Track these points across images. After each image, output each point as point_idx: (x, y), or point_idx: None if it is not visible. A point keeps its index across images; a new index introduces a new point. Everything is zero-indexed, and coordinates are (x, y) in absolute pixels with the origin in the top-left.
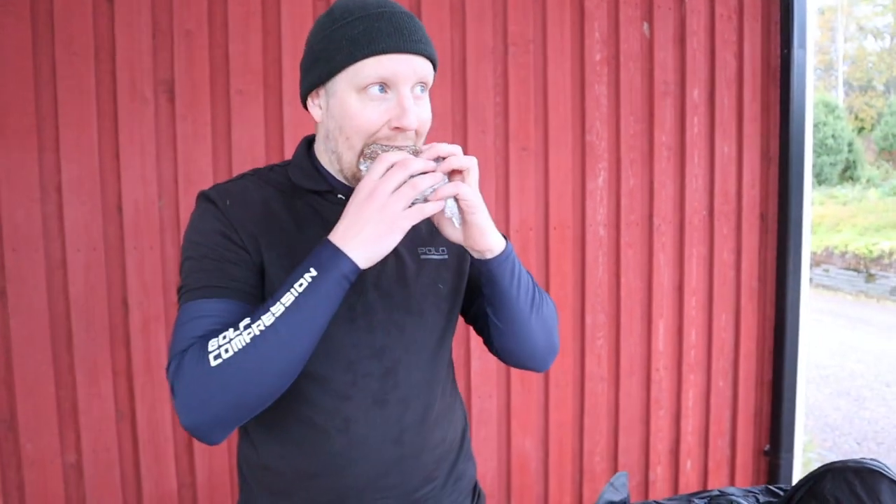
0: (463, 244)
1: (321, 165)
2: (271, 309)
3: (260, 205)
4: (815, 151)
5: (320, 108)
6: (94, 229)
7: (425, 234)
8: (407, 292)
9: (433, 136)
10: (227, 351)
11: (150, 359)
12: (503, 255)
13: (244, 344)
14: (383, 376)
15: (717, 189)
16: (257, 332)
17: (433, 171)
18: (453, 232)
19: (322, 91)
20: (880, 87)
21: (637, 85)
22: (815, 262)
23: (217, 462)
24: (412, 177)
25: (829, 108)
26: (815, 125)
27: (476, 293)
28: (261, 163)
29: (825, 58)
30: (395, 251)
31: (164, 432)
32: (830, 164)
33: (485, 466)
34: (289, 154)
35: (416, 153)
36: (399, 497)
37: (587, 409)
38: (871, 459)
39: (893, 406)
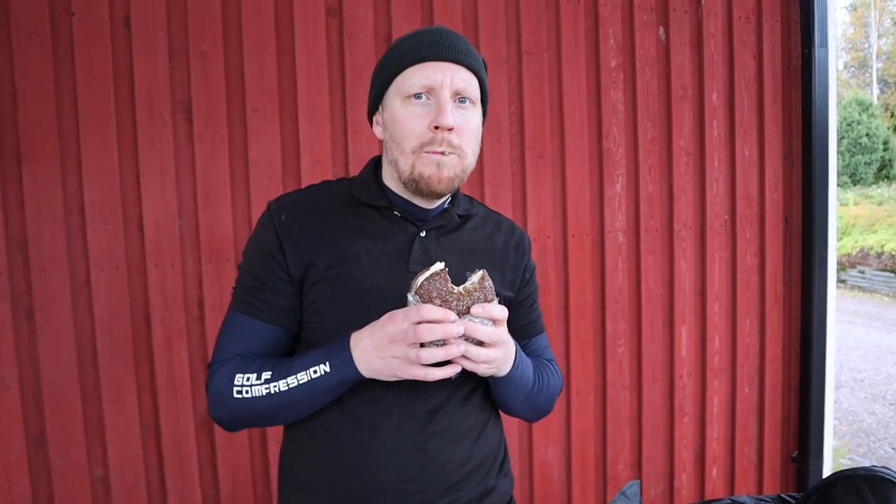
0: None
1: (384, 183)
2: (288, 379)
3: (318, 217)
4: (848, 150)
5: (381, 125)
6: (117, 249)
7: (479, 261)
8: None
9: None
10: (247, 392)
11: (174, 374)
12: (505, 376)
13: (260, 394)
14: (414, 386)
15: (738, 193)
16: (273, 391)
17: (457, 340)
18: None
19: (381, 108)
20: None
21: (654, 90)
22: (851, 264)
23: (240, 475)
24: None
25: (863, 106)
26: (849, 124)
27: None
28: (277, 180)
29: (858, 55)
30: None
31: (188, 446)
32: (865, 163)
33: None
34: (305, 169)
35: (467, 293)
36: (419, 503)
37: (609, 416)
38: (883, 467)
39: None
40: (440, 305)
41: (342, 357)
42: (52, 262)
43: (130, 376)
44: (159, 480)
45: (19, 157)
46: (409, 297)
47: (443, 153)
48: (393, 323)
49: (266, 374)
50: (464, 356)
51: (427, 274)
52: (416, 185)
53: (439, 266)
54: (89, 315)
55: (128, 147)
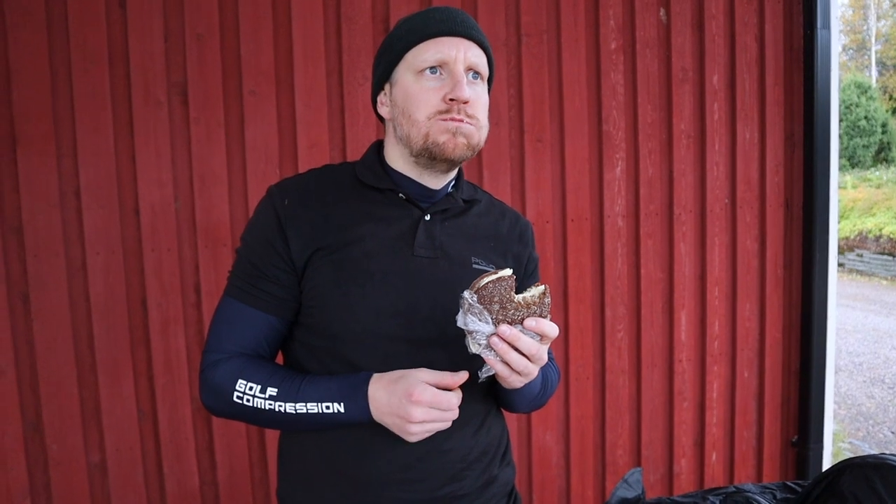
0: None
1: (389, 165)
2: (297, 405)
3: (320, 201)
4: (847, 133)
5: (386, 105)
6: (113, 232)
7: (482, 247)
8: (452, 294)
9: None
10: (248, 401)
11: (170, 359)
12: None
13: (263, 407)
14: None
15: (739, 176)
16: (276, 409)
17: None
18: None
19: (387, 86)
20: None
21: (654, 72)
22: (849, 247)
23: (238, 461)
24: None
25: (862, 89)
26: (848, 107)
27: None
28: (274, 163)
29: (857, 37)
30: (449, 253)
31: (185, 431)
32: (864, 146)
33: None
34: (302, 152)
35: (526, 304)
36: (421, 492)
37: (608, 402)
38: (892, 455)
39: None
40: (498, 310)
41: (358, 405)
42: (48, 245)
43: (127, 361)
44: (156, 466)
45: (14, 140)
46: (466, 294)
47: (461, 120)
48: (412, 400)
49: (272, 391)
50: (504, 362)
51: (494, 277)
52: (430, 152)
53: (508, 272)
54: (85, 299)
55: (123, 129)
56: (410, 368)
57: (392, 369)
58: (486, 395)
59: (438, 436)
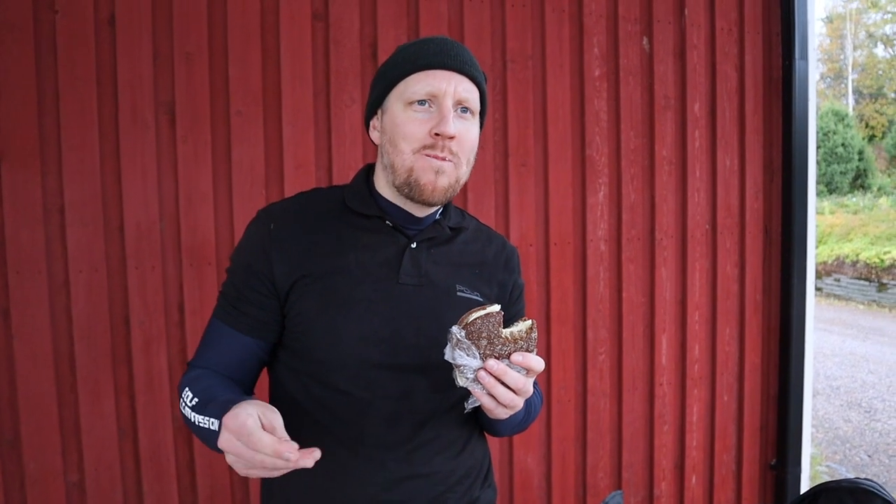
0: None
1: (377, 191)
2: (197, 416)
3: (307, 226)
4: (825, 160)
5: (378, 130)
6: (97, 250)
7: (467, 275)
8: (436, 322)
9: None
10: (183, 409)
11: (152, 377)
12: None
13: (187, 416)
14: (400, 398)
15: (719, 202)
16: (190, 419)
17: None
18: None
19: (380, 112)
20: (891, 95)
21: (637, 99)
22: (827, 272)
23: (219, 481)
24: None
25: (839, 117)
26: (825, 134)
27: None
28: (260, 183)
29: (834, 66)
30: (433, 281)
31: (165, 450)
32: (841, 172)
33: None
34: (289, 172)
35: (514, 339)
36: None
37: (590, 424)
38: (866, 479)
39: None
40: (486, 345)
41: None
42: (30, 262)
43: (108, 379)
44: (136, 486)
45: None
46: (455, 329)
47: (444, 158)
48: (224, 424)
49: (195, 400)
50: (490, 395)
51: (482, 312)
52: (410, 190)
53: (496, 308)
54: (67, 317)
55: (110, 148)
56: (394, 393)
57: (375, 395)
58: (468, 420)
59: (420, 458)
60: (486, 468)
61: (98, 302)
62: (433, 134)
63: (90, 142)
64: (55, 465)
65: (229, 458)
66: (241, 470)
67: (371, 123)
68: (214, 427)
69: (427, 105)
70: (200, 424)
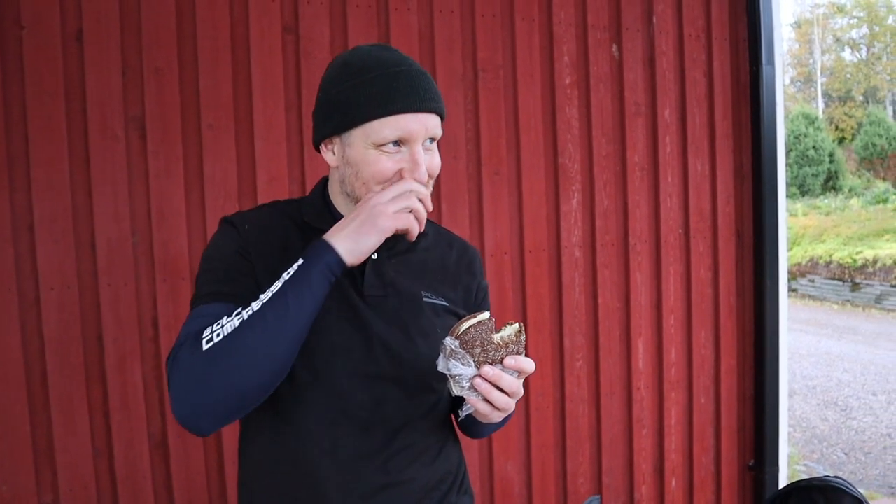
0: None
1: (334, 206)
2: (261, 296)
3: (275, 235)
4: (796, 163)
5: (334, 154)
6: (68, 267)
7: (432, 281)
8: (404, 331)
9: None
10: (218, 336)
11: (127, 395)
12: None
13: (233, 329)
14: (374, 406)
15: (691, 207)
16: (245, 317)
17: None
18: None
19: (337, 140)
20: (859, 98)
21: (608, 106)
22: (801, 273)
23: (197, 498)
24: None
25: (810, 120)
26: (797, 137)
27: None
28: (233, 197)
29: (804, 70)
30: (399, 290)
31: (142, 469)
32: (812, 174)
33: None
34: (261, 186)
35: (504, 344)
36: None
37: (569, 430)
38: (835, 477)
39: (880, 415)
40: (480, 353)
41: (315, 246)
42: (0, 280)
43: (82, 398)
44: None
45: None
46: (448, 340)
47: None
48: (389, 191)
49: (237, 310)
50: (485, 399)
51: (474, 321)
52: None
53: (486, 315)
54: (38, 335)
55: (79, 163)
56: (367, 403)
57: (348, 404)
58: (443, 425)
59: (396, 466)
60: (461, 474)
61: (70, 319)
62: (404, 174)
63: (59, 157)
64: (28, 485)
65: (387, 208)
66: (397, 209)
67: (324, 144)
68: (299, 263)
69: (398, 146)
70: (265, 299)
